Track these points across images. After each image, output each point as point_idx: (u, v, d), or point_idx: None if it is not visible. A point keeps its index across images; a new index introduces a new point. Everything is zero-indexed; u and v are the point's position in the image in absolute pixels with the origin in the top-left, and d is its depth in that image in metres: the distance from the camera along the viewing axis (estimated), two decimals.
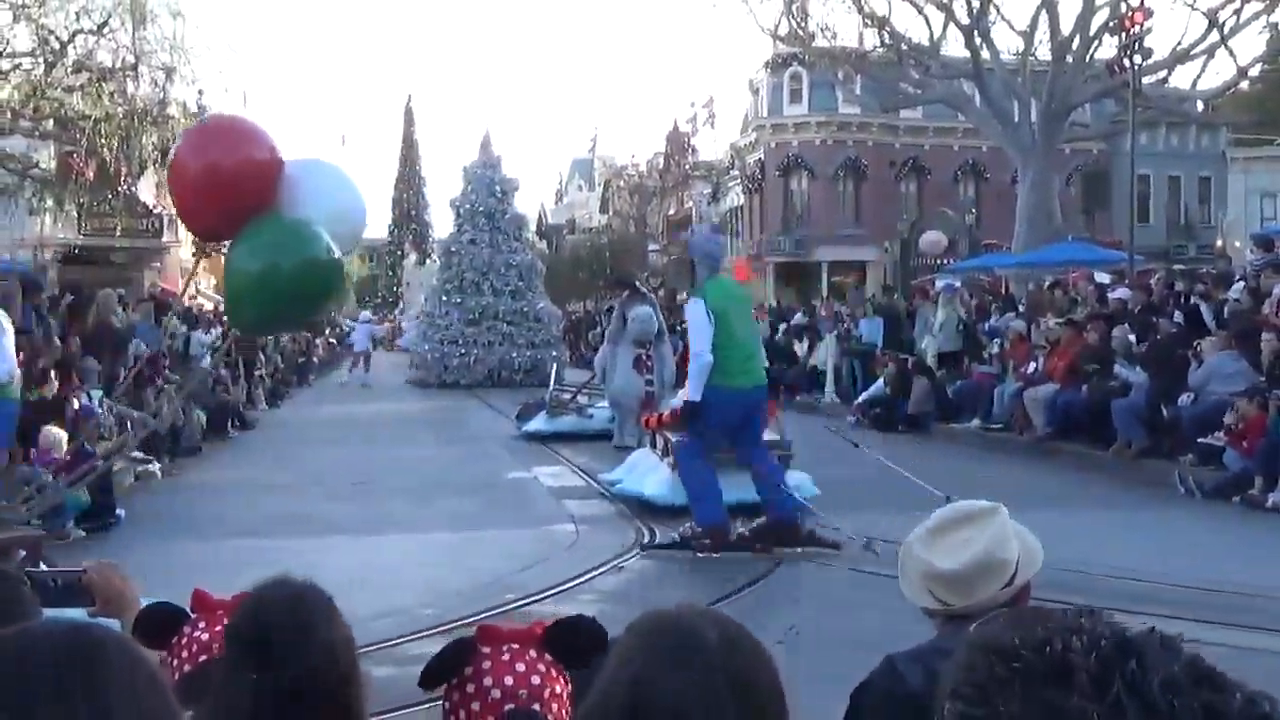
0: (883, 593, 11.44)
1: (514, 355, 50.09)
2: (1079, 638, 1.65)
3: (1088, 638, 1.65)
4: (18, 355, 19.74)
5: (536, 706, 3.34)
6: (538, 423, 29.95)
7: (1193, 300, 26.22)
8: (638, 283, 28.14)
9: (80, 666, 2.01)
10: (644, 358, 25.77)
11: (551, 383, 33.82)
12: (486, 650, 3.43)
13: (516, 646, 3.44)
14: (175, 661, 3.86)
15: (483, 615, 12.42)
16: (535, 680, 3.37)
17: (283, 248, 7.19)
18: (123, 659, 2.08)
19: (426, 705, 8.40)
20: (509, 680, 3.36)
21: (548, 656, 3.43)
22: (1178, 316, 25.47)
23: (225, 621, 3.69)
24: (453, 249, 53.08)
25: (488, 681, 3.37)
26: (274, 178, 7.27)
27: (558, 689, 3.41)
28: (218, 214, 7.29)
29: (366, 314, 69.96)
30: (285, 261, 7.15)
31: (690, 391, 16.23)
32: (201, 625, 3.89)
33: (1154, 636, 1.68)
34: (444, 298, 51.89)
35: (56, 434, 16.77)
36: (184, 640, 3.89)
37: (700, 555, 15.51)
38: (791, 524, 15.98)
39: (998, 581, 4.38)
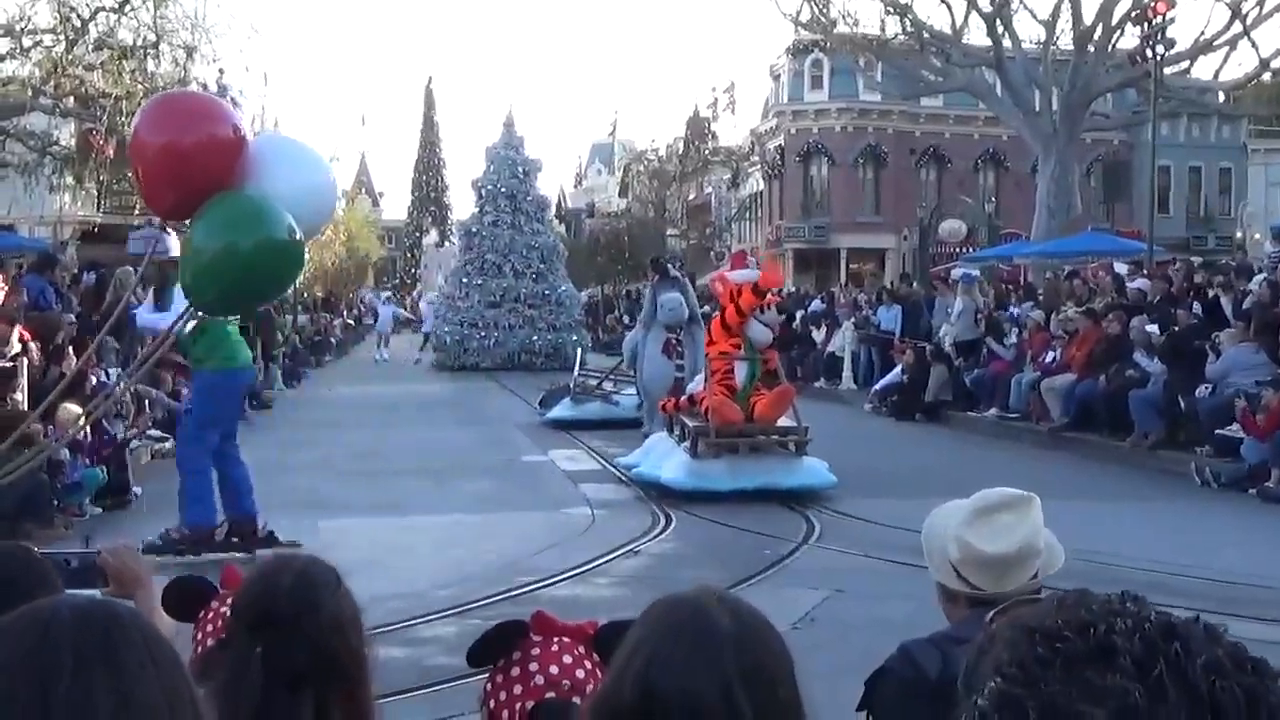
0: (902, 580, 11.46)
1: (535, 338, 49.72)
2: (1123, 621, 1.67)
3: (1131, 621, 1.67)
4: (30, 330, 19.81)
5: (576, 700, 3.35)
6: (562, 409, 29.18)
7: (1212, 292, 26.14)
8: (671, 267, 27.41)
9: (99, 640, 2.02)
10: (673, 342, 24.73)
11: (576, 368, 32.50)
12: (538, 638, 3.45)
13: (567, 640, 3.45)
14: (200, 635, 3.86)
15: (498, 598, 12.49)
16: (580, 674, 3.38)
17: (243, 226, 7.12)
18: (140, 634, 2.09)
19: (439, 687, 8.45)
20: (554, 669, 3.37)
21: (595, 656, 3.44)
22: (1196, 308, 25.38)
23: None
24: (474, 230, 52.67)
25: (533, 667, 3.38)
26: (236, 156, 7.18)
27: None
28: (178, 192, 7.21)
29: (386, 294, 70.30)
30: (245, 240, 7.07)
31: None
32: (229, 602, 3.88)
33: (1198, 624, 1.71)
34: (464, 279, 51.57)
35: (73, 410, 16.80)
36: (210, 615, 3.89)
37: (181, 558, 14.26)
38: (252, 523, 15.23)
39: (1031, 570, 4.40)
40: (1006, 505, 4.44)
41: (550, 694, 3.34)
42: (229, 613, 3.55)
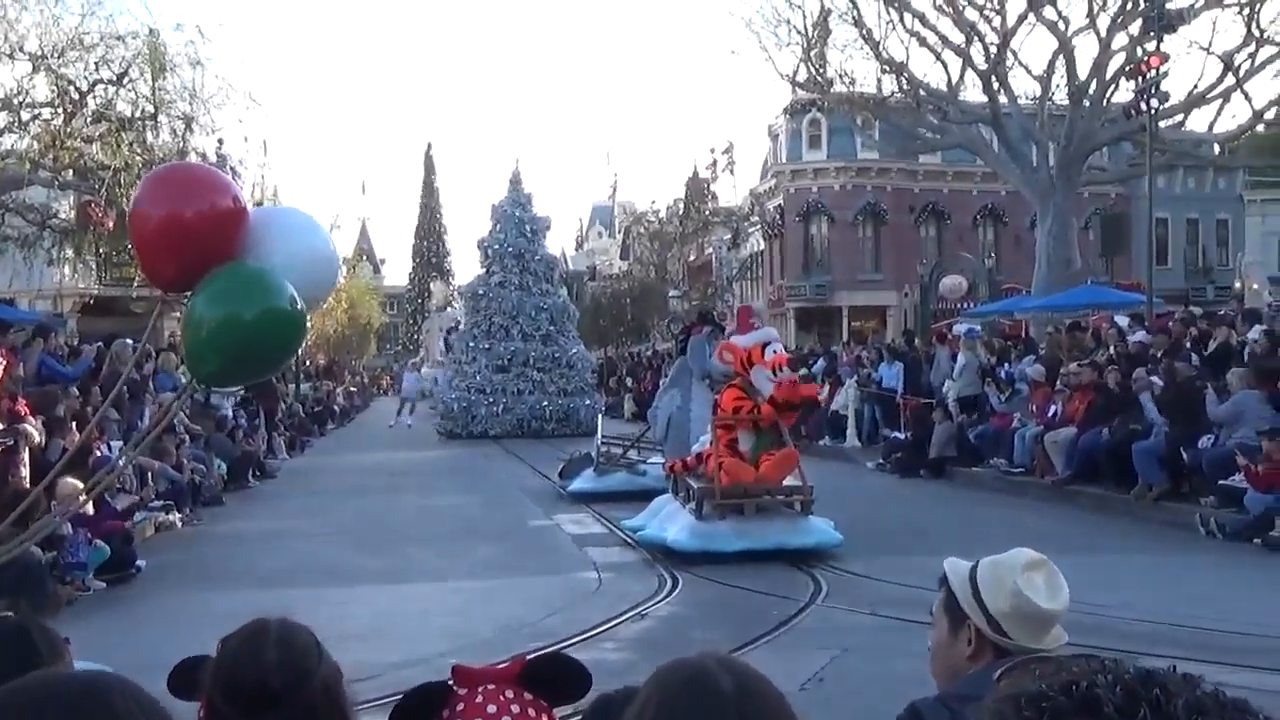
0: (910, 637, 11.43)
1: (545, 404, 48.95)
2: (1104, 676, 1.71)
3: (1112, 675, 1.71)
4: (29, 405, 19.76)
5: None
6: (584, 481, 27.50)
7: (1214, 344, 26.11)
8: (718, 319, 25.91)
9: (98, 711, 2.03)
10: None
11: (598, 436, 30.75)
12: (462, 692, 3.43)
13: (492, 687, 3.43)
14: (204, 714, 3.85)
15: (506, 663, 12.41)
16: None
17: (244, 297, 7.12)
18: (138, 705, 2.11)
19: None
20: None
21: (526, 695, 3.42)
22: (1194, 359, 25.41)
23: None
24: (480, 291, 51.75)
25: None
26: (237, 226, 7.21)
27: None
28: (179, 264, 7.22)
29: (414, 361, 71.31)
30: (247, 312, 7.09)
31: None
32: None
33: (1176, 673, 1.74)
34: (470, 343, 50.92)
35: (73, 484, 16.72)
36: None
37: None
38: None
39: (1061, 629, 4.46)
40: (1039, 565, 4.47)
41: None
42: (209, 689, 3.51)
